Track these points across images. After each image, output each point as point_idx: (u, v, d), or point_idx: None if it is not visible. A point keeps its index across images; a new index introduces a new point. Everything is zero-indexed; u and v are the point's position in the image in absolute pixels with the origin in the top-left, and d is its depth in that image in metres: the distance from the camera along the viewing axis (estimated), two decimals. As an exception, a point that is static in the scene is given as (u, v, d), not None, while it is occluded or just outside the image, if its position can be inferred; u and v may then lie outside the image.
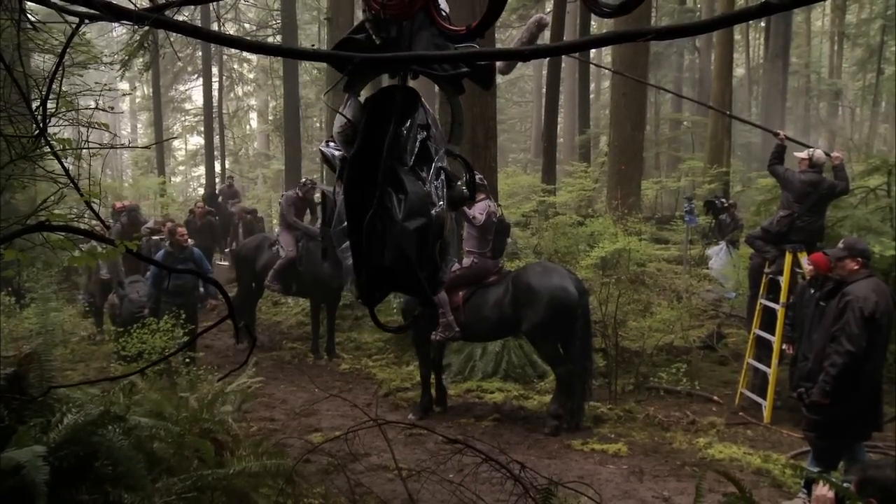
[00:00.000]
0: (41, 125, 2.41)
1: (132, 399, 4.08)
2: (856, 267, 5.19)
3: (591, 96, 27.61)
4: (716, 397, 7.82)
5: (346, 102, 3.04)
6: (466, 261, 7.13)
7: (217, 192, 19.28)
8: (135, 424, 3.61)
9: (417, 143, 2.93)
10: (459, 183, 3.23)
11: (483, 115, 9.68)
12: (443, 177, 3.02)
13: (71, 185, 2.73)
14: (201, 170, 31.84)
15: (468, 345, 8.74)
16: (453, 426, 7.11)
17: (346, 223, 2.97)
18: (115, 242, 2.43)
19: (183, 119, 34.25)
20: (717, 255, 12.25)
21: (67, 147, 3.07)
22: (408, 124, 2.91)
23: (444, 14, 2.94)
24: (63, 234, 2.84)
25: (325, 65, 17.63)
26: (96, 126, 3.34)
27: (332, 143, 3.29)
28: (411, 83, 3.03)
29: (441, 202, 2.94)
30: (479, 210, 6.98)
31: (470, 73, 3.05)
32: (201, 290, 9.07)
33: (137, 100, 35.83)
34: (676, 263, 12.99)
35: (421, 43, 2.91)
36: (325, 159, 3.30)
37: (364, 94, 3.18)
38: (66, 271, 10.94)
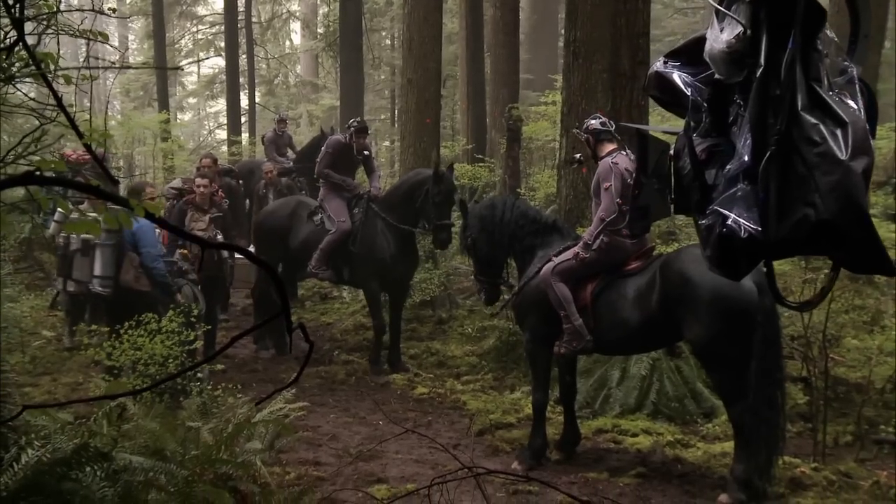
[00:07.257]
0: (19, 31, 2.40)
1: (120, 429, 4.13)
2: None
3: None
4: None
5: (729, 6, 3.17)
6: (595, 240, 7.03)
7: (263, 140, 17.12)
8: (124, 465, 3.66)
9: (826, 63, 3.12)
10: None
11: (630, 30, 9.66)
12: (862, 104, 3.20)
13: (56, 118, 2.70)
14: (221, 104, 32.36)
15: (600, 365, 8.71)
16: (578, 482, 7.06)
17: (746, 166, 3.10)
18: (129, 203, 2.38)
19: (195, 30, 34.66)
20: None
21: (52, 63, 3.05)
22: (818, 39, 3.08)
23: None
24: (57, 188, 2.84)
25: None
26: (88, 37, 3.35)
27: (671, 63, 3.44)
28: None
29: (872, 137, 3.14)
30: (609, 168, 6.94)
31: None
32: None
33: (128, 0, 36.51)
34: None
35: None
36: (663, 86, 3.45)
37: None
38: (28, 245, 11.02)
